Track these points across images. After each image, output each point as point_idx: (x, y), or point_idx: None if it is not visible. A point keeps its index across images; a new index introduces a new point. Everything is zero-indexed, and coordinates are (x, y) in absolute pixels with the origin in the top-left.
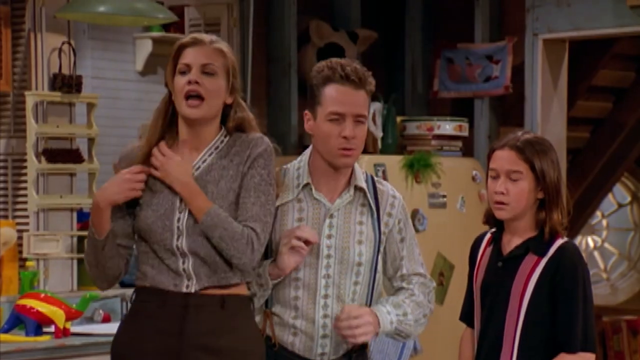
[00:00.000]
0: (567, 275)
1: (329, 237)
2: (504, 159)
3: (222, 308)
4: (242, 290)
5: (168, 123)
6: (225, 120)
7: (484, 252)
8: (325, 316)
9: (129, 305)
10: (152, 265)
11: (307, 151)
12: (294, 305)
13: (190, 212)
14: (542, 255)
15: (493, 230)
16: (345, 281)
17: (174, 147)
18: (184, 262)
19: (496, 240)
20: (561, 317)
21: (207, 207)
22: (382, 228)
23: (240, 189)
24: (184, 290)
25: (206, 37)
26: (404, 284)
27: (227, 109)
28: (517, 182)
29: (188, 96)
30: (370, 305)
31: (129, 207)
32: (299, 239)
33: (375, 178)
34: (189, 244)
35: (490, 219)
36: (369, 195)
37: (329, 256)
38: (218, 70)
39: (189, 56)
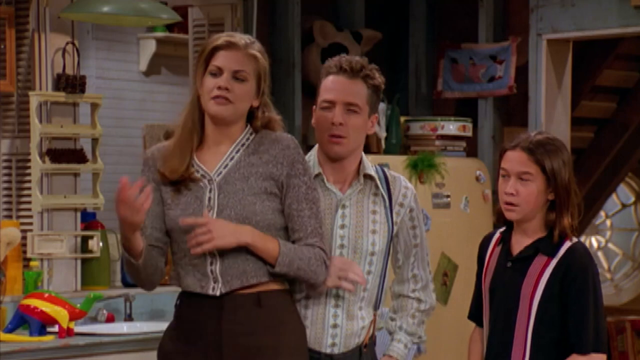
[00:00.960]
0: (578, 276)
1: (342, 227)
2: (515, 160)
3: (259, 306)
4: (278, 284)
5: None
6: (251, 118)
7: (493, 252)
8: (336, 306)
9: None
10: (181, 265)
11: (316, 145)
12: (305, 296)
13: (218, 210)
14: (552, 255)
15: (502, 229)
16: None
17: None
18: (212, 264)
19: (505, 240)
20: (572, 318)
21: (277, 247)
22: (394, 217)
23: (278, 189)
24: (210, 292)
25: (240, 40)
26: (408, 292)
27: (253, 108)
28: (528, 184)
29: (216, 97)
30: (379, 297)
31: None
32: (346, 278)
33: (387, 169)
34: None
35: (501, 218)
36: (379, 183)
37: (342, 246)
38: (249, 76)
39: (222, 59)
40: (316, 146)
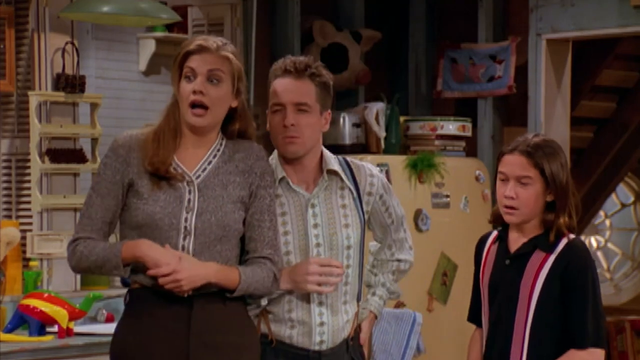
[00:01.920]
0: (577, 272)
1: (315, 226)
2: (514, 164)
3: (225, 305)
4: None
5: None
6: (227, 122)
7: (489, 250)
8: (320, 304)
9: (127, 302)
10: None
11: (275, 150)
12: (288, 299)
13: (197, 213)
14: (550, 252)
15: (499, 229)
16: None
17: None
18: None
19: (502, 238)
20: (572, 314)
21: (237, 278)
22: (365, 207)
23: (249, 198)
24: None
25: (212, 43)
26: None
27: (230, 112)
28: (527, 187)
29: (193, 105)
30: (360, 288)
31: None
32: (327, 283)
33: (350, 159)
34: (196, 247)
35: (498, 219)
36: (344, 177)
37: (318, 245)
38: (224, 76)
39: (195, 62)
40: (275, 151)
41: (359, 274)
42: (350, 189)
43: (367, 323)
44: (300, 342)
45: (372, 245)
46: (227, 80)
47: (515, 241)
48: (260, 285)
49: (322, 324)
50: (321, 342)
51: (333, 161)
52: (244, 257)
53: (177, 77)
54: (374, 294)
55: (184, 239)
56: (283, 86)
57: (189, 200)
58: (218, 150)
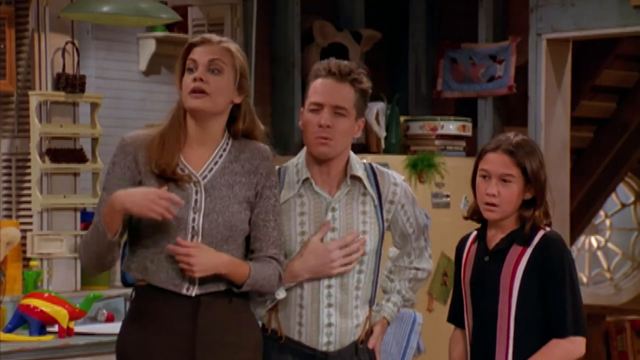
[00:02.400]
0: (554, 263)
1: (333, 230)
2: (498, 162)
3: (230, 303)
4: None
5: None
6: (231, 122)
7: (470, 250)
8: (329, 305)
9: (132, 301)
10: (152, 260)
11: (304, 148)
12: (299, 294)
13: (204, 213)
14: (527, 245)
15: (477, 229)
16: (350, 271)
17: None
18: None
19: (481, 237)
20: (551, 304)
21: (247, 272)
22: (385, 215)
23: (254, 198)
24: (184, 292)
25: (215, 37)
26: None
27: (234, 111)
28: (509, 185)
29: (193, 92)
30: (374, 293)
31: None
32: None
33: (376, 165)
34: None
35: (475, 215)
36: (367, 184)
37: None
38: (225, 67)
39: (197, 54)
40: (304, 151)
41: (372, 281)
42: (372, 196)
43: (379, 328)
44: (308, 342)
45: (391, 251)
46: (229, 72)
47: (493, 238)
48: (266, 283)
49: (329, 324)
50: (328, 342)
51: (358, 167)
52: (248, 256)
53: (180, 71)
54: (388, 300)
55: (192, 238)
56: (324, 87)
57: (196, 200)
58: (224, 150)
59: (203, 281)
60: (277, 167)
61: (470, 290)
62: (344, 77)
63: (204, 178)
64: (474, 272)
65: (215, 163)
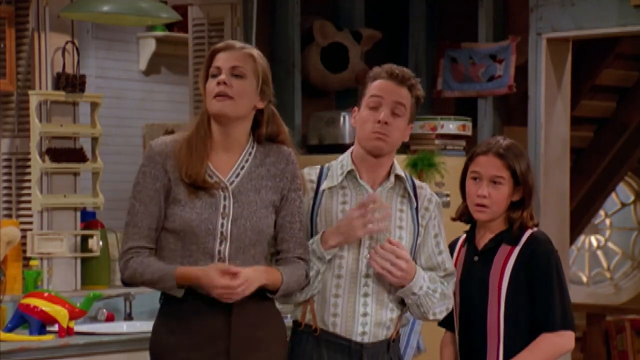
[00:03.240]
0: (541, 261)
1: (372, 221)
2: (489, 165)
3: (262, 300)
4: None
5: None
6: (256, 127)
7: (459, 252)
8: (365, 295)
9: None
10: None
11: (350, 148)
12: (335, 284)
13: (233, 219)
14: (514, 244)
15: (466, 231)
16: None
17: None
18: None
19: (470, 239)
20: (539, 301)
21: (280, 279)
22: (420, 220)
23: (280, 201)
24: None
25: (238, 43)
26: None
27: (258, 117)
28: (499, 187)
29: (217, 95)
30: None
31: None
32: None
33: (414, 178)
34: (231, 252)
35: (463, 216)
36: (407, 185)
37: (370, 238)
38: (247, 73)
39: (220, 61)
40: (350, 149)
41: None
42: (410, 199)
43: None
44: (343, 332)
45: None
46: (251, 78)
47: (482, 238)
48: (296, 285)
49: (365, 314)
50: (363, 333)
51: (400, 170)
52: (275, 256)
53: (205, 77)
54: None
55: (220, 244)
56: (386, 86)
57: (224, 206)
58: (250, 154)
59: None
60: (319, 165)
61: (460, 289)
62: (405, 81)
63: (231, 184)
64: (463, 272)
65: (242, 168)
